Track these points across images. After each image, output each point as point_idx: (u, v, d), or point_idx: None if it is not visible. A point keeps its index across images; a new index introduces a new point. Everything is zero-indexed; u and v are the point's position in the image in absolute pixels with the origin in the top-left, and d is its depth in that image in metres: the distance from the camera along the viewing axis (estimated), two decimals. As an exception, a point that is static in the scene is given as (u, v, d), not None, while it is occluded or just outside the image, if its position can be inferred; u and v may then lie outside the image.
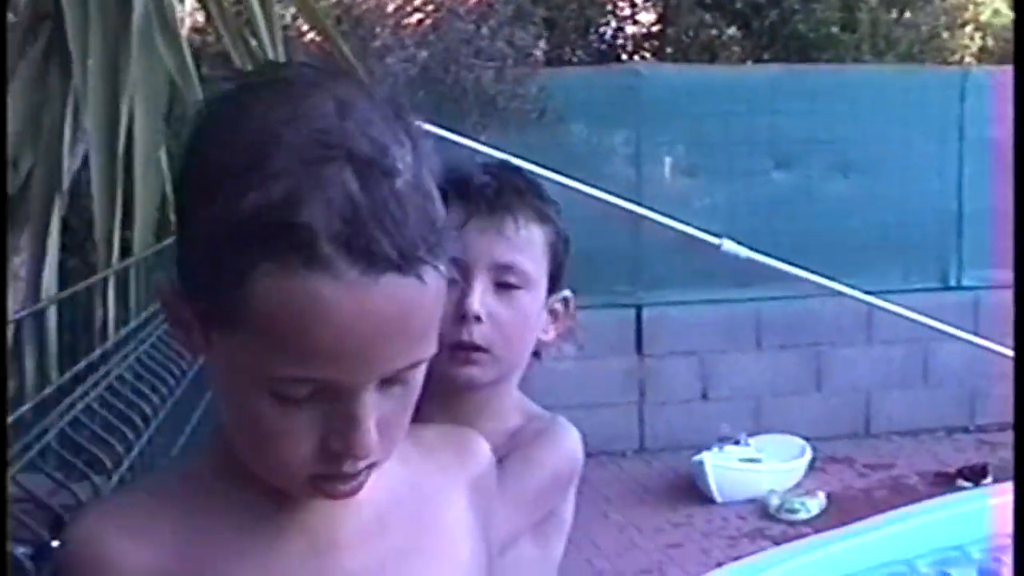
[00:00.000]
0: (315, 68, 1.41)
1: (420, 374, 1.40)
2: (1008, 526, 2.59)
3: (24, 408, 2.48)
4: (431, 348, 1.38)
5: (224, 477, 1.47)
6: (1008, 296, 9.63)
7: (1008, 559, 2.94)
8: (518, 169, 2.37)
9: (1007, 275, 10.04)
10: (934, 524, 6.69)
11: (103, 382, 2.80)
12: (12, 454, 2.37)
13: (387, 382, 1.35)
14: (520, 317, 2.18)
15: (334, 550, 1.49)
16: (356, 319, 1.28)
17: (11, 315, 3.37)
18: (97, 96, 3.16)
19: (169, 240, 3.72)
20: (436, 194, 1.37)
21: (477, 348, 2.14)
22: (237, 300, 1.29)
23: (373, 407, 1.35)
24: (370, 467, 1.40)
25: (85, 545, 1.43)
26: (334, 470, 1.38)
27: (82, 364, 2.79)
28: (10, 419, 2.41)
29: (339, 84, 1.37)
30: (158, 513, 1.44)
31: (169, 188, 3.56)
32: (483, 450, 1.72)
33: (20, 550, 2.81)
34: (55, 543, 2.86)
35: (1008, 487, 2.77)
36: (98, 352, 2.83)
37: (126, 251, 3.30)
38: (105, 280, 3.00)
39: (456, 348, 2.12)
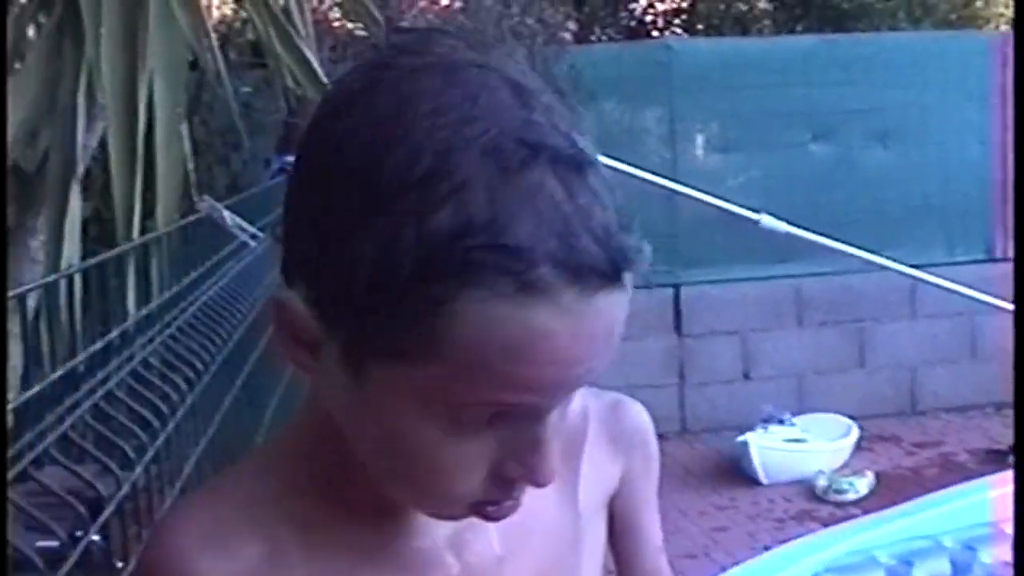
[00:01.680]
0: (459, 37, 1.18)
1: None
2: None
3: (27, 395, 2.33)
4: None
5: (329, 502, 1.29)
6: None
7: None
8: None
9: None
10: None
11: (125, 367, 2.65)
12: (28, 441, 2.23)
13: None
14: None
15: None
16: (569, 346, 1.11)
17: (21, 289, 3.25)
18: (113, 69, 3.02)
19: (191, 218, 3.59)
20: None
21: None
22: (429, 330, 1.09)
23: (555, 429, 1.18)
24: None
25: (169, 562, 1.25)
26: (503, 496, 1.21)
27: (98, 345, 2.64)
28: (20, 401, 2.27)
29: (501, 60, 1.15)
30: (249, 531, 1.26)
31: (191, 165, 3.42)
32: (573, 404, 1.51)
33: (44, 543, 2.70)
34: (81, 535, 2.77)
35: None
36: (115, 333, 2.68)
37: (148, 232, 3.16)
38: (122, 259, 2.85)
39: None
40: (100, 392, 2.49)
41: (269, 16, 3.71)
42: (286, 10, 3.86)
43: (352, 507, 1.28)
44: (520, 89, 1.12)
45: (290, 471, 1.30)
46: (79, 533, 2.69)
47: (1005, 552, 5.74)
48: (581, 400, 1.56)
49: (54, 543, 2.67)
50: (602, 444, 2.37)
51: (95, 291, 2.78)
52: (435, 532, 1.31)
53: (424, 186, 1.07)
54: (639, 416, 2.46)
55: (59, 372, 2.42)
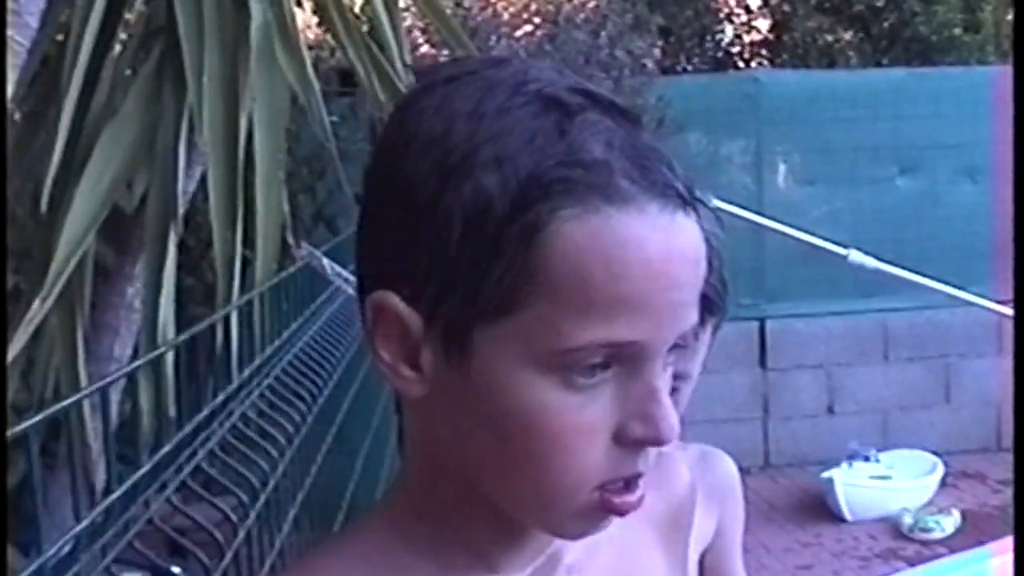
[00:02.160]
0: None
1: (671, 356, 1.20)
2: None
3: (134, 478, 2.34)
4: (697, 321, 1.20)
5: (429, 566, 1.27)
6: None
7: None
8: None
9: None
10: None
11: (226, 423, 2.66)
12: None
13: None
14: (679, 407, 2.08)
15: None
16: (665, 258, 1.11)
17: (125, 357, 3.26)
18: (214, 113, 3.00)
19: (292, 269, 3.59)
20: None
21: None
22: (529, 264, 1.10)
23: (665, 382, 1.18)
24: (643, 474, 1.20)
25: None
26: (629, 469, 1.17)
27: (204, 413, 2.64)
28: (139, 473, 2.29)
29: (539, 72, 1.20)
30: None
31: (287, 207, 3.42)
32: (682, 474, 1.56)
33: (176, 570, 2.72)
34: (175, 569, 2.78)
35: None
36: (221, 399, 2.68)
37: (246, 276, 3.15)
38: (227, 315, 2.85)
39: None
40: (201, 454, 2.50)
41: (362, 43, 3.69)
42: (377, 37, 3.85)
43: (449, 560, 1.26)
44: (557, 67, 1.20)
45: (399, 532, 1.28)
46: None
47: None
48: (689, 473, 1.56)
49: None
50: (699, 499, 2.35)
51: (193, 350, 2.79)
52: None
53: (496, 139, 1.11)
54: (727, 464, 2.46)
55: (163, 450, 2.42)
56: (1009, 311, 7.33)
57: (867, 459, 8.70)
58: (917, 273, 7.28)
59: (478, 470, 1.20)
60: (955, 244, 9.41)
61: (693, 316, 1.17)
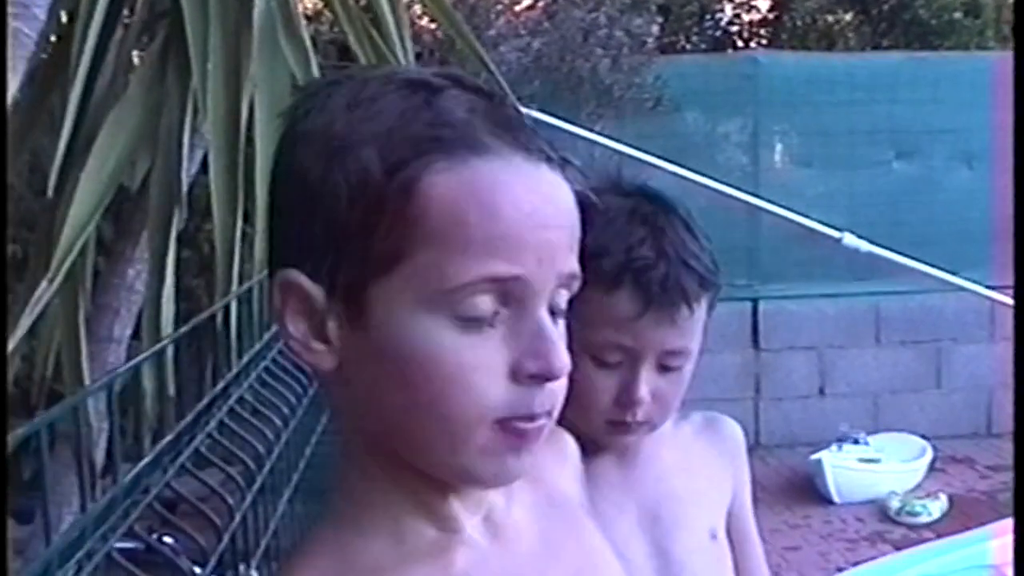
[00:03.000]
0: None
1: (564, 305, 1.32)
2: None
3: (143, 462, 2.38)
4: (578, 270, 1.32)
5: (384, 546, 1.35)
6: None
7: None
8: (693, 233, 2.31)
9: None
10: None
11: (224, 406, 2.70)
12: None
13: (551, 303, 1.29)
14: (680, 387, 2.15)
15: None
16: (533, 199, 1.24)
17: (125, 338, 3.29)
18: (217, 98, 3.03)
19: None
20: None
21: (638, 423, 2.13)
22: (410, 215, 1.22)
23: (558, 328, 1.29)
24: (549, 415, 1.30)
25: None
26: (526, 407, 1.26)
27: (204, 402, 2.69)
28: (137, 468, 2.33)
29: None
30: None
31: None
32: (572, 446, 1.82)
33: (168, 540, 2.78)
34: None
35: None
36: (220, 387, 2.72)
37: (244, 250, 3.19)
38: (227, 299, 2.89)
39: (616, 424, 2.11)
40: (200, 437, 2.54)
41: (360, 25, 3.71)
42: (374, 13, 3.86)
43: (401, 534, 1.34)
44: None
45: (349, 525, 1.37)
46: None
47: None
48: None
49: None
50: (712, 462, 2.40)
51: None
52: (476, 544, 1.38)
53: (371, 119, 1.24)
54: (733, 428, 2.49)
55: (161, 444, 2.46)
56: (1002, 297, 7.37)
57: (856, 442, 8.75)
58: (911, 258, 7.31)
59: (394, 430, 1.29)
60: (950, 229, 9.43)
61: (571, 261, 1.29)
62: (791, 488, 8.68)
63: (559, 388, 1.30)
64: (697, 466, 2.34)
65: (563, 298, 1.31)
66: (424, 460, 1.30)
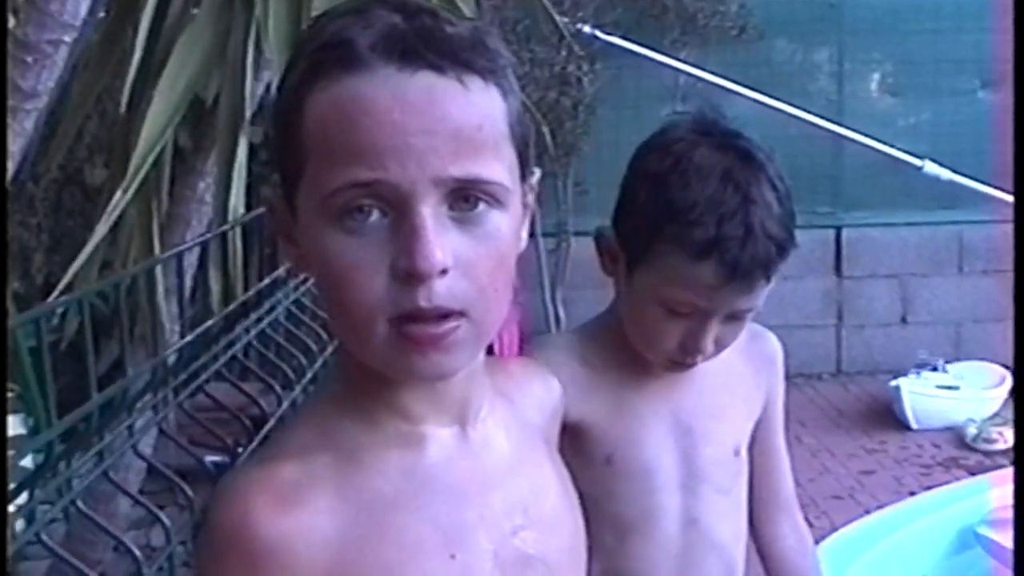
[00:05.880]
0: None
1: (499, 219, 1.41)
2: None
3: (206, 326, 2.52)
4: (496, 172, 1.39)
5: (363, 429, 1.49)
6: None
7: None
8: None
9: None
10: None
11: (285, 300, 2.85)
12: (203, 363, 2.42)
13: (456, 210, 1.37)
14: (741, 330, 2.30)
15: (483, 490, 1.53)
16: (392, 108, 1.33)
17: (196, 237, 3.44)
18: (279, 22, 3.16)
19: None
20: (499, 45, 1.44)
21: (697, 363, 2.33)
22: (298, 136, 1.39)
23: (437, 224, 1.36)
24: (455, 316, 1.38)
25: (245, 529, 1.41)
26: (409, 303, 1.36)
27: (266, 281, 2.84)
28: (197, 333, 2.46)
29: None
30: (310, 481, 1.44)
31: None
32: (554, 386, 1.89)
33: (212, 458, 2.89)
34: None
35: None
36: (282, 269, 2.87)
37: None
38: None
39: (677, 363, 2.28)
40: (265, 320, 2.67)
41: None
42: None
43: (380, 428, 1.49)
44: None
45: (329, 409, 1.52)
46: (240, 449, 2.88)
47: None
48: (558, 384, 1.91)
49: (224, 458, 2.87)
50: (749, 377, 2.51)
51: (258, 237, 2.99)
52: (448, 444, 1.52)
53: (306, 41, 1.43)
54: (773, 342, 2.58)
55: (232, 306, 2.60)
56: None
57: (935, 369, 8.75)
58: (994, 187, 7.31)
59: (333, 327, 1.47)
60: (1035, 158, 9.36)
61: (460, 166, 1.36)
62: (870, 414, 8.71)
63: (458, 288, 1.37)
64: (734, 381, 2.46)
65: (481, 203, 1.39)
66: (356, 353, 1.44)
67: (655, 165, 2.22)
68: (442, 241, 1.34)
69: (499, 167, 1.39)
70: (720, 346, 2.26)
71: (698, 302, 2.17)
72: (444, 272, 1.35)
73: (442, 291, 1.36)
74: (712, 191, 2.14)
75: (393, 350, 1.40)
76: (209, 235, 2.77)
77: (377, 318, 1.37)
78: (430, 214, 1.34)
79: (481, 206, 1.38)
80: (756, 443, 2.55)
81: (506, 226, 1.41)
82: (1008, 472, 6.69)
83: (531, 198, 1.54)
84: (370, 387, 1.48)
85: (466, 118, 1.36)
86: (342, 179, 1.34)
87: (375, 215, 1.35)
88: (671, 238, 2.16)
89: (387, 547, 1.45)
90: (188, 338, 2.37)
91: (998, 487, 6.13)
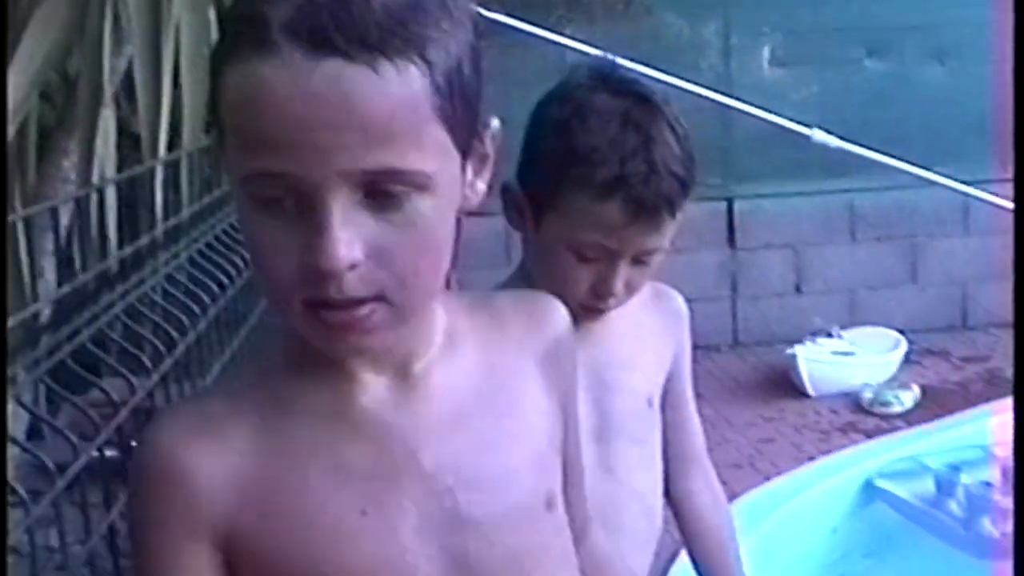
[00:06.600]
0: None
1: (422, 204, 1.36)
2: None
3: (59, 293, 2.47)
4: (413, 161, 1.34)
5: (296, 374, 1.49)
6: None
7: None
8: None
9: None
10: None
11: (150, 280, 2.80)
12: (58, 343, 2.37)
13: (372, 198, 1.34)
14: (651, 274, 2.37)
15: (410, 446, 1.50)
16: (296, 100, 1.28)
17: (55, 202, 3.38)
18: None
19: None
20: (432, 9, 1.37)
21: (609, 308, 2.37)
22: (219, 102, 1.36)
23: (349, 216, 1.32)
24: (370, 302, 1.37)
25: (161, 453, 1.44)
26: (316, 292, 1.35)
27: (127, 250, 2.80)
28: (52, 301, 2.41)
29: None
30: (233, 417, 1.46)
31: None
32: (557, 315, 1.74)
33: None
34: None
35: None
36: (144, 240, 2.83)
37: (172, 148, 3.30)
38: (152, 175, 3.00)
39: (589, 309, 2.31)
40: (120, 304, 2.62)
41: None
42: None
43: (313, 373, 1.48)
44: None
45: (267, 354, 1.55)
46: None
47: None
48: (566, 319, 1.76)
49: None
50: (657, 332, 2.55)
51: (125, 210, 2.94)
52: (382, 395, 1.50)
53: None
54: (679, 300, 2.67)
55: (89, 274, 2.55)
56: (976, 192, 7.41)
57: (830, 335, 8.82)
58: (884, 154, 7.34)
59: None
60: (922, 125, 9.43)
61: (370, 158, 1.31)
62: (768, 383, 8.77)
63: (373, 277, 1.35)
64: (644, 334, 2.49)
65: (402, 192, 1.34)
66: (271, 304, 1.45)
67: (556, 113, 2.28)
68: (352, 235, 1.32)
69: (417, 155, 1.33)
70: (631, 290, 2.31)
71: (606, 243, 2.22)
72: (355, 266, 1.33)
73: (353, 282, 1.34)
74: (613, 133, 2.20)
75: (311, 329, 1.40)
76: (65, 199, 2.72)
77: (293, 298, 1.37)
78: (339, 208, 1.31)
79: (399, 194, 1.34)
80: (667, 400, 2.59)
81: (431, 209, 1.37)
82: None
83: (491, 146, 1.51)
84: (299, 342, 1.46)
85: (376, 109, 1.30)
86: (253, 167, 1.33)
87: (288, 202, 1.33)
88: (576, 181, 2.22)
89: (295, 495, 1.45)
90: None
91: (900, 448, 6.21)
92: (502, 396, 1.61)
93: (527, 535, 1.58)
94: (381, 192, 1.33)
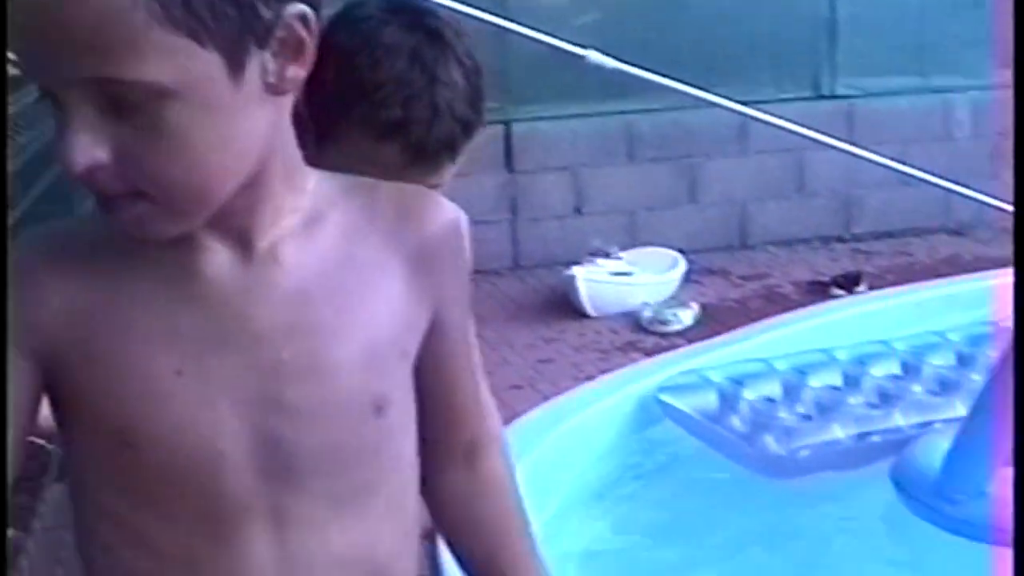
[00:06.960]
0: None
1: (169, 110, 1.36)
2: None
3: None
4: (132, 71, 1.33)
5: None
6: (881, 104, 9.63)
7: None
8: None
9: (880, 83, 9.99)
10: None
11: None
12: None
13: (115, 103, 1.35)
14: None
15: (241, 314, 1.51)
16: (18, 10, 1.32)
17: None
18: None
19: None
20: None
21: None
22: None
23: (87, 121, 1.35)
24: (127, 198, 1.41)
25: (18, 263, 1.47)
26: (93, 188, 1.41)
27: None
28: None
29: None
30: (72, 248, 1.51)
31: None
32: (438, 214, 1.71)
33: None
34: None
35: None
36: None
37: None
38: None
39: None
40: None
41: None
42: None
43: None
44: None
45: None
46: None
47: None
48: (452, 217, 1.73)
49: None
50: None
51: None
52: (223, 264, 1.52)
53: None
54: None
55: None
56: (753, 112, 7.45)
57: (608, 256, 8.84)
58: (661, 75, 7.33)
59: None
60: (698, 47, 9.46)
61: (80, 67, 1.33)
62: (548, 305, 8.76)
63: (123, 176, 1.38)
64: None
65: (138, 99, 1.35)
66: None
67: (344, 42, 2.21)
68: (92, 139, 1.35)
69: (136, 64, 1.33)
70: None
71: (383, 180, 2.16)
72: (100, 167, 1.37)
73: (105, 181, 1.39)
74: (400, 71, 2.17)
75: (101, 206, 1.45)
76: None
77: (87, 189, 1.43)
78: (78, 112, 1.35)
79: (136, 100, 1.35)
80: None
81: (177, 113, 1.37)
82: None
83: (303, 30, 1.46)
84: None
85: (80, 21, 1.30)
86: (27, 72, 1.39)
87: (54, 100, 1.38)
88: (358, 118, 2.19)
89: (116, 345, 1.48)
90: None
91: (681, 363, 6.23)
92: (354, 287, 1.59)
93: (348, 433, 1.57)
94: (116, 98, 1.35)
